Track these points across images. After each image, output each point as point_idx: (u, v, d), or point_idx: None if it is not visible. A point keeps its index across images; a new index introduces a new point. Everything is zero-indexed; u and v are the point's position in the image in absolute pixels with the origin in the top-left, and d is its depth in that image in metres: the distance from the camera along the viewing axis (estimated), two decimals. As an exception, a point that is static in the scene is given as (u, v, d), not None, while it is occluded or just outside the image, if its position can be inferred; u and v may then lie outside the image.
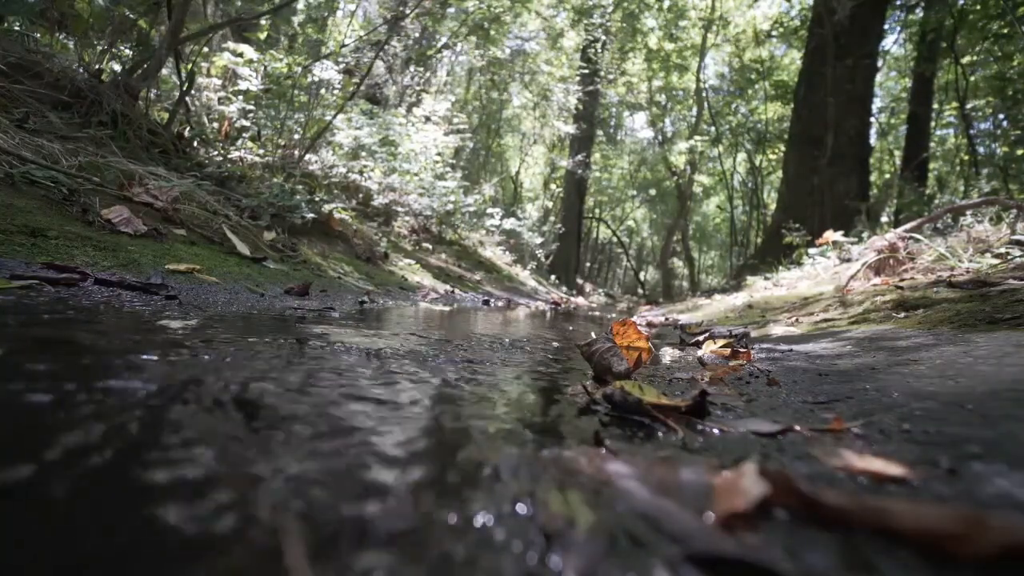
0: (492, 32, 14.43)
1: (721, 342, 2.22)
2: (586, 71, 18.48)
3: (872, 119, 13.33)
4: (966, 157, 13.05)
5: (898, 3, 12.96)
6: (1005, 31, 9.91)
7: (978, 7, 10.22)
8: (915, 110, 12.54)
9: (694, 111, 22.25)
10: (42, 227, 2.32)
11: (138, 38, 5.25)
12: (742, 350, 2.03)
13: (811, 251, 6.89)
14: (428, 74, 13.80)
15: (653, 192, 27.64)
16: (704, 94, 20.52)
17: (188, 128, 5.66)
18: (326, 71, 7.50)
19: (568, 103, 18.19)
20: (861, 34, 10.67)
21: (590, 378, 1.31)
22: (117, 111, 4.27)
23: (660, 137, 23.24)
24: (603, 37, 18.90)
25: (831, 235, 6.07)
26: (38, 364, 0.83)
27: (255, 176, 5.76)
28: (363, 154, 8.34)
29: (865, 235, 6.61)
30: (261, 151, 6.52)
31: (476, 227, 12.71)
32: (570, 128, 18.47)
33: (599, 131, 24.00)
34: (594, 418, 0.92)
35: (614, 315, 6.48)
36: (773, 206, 16.74)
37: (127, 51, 5.34)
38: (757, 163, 20.92)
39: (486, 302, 6.44)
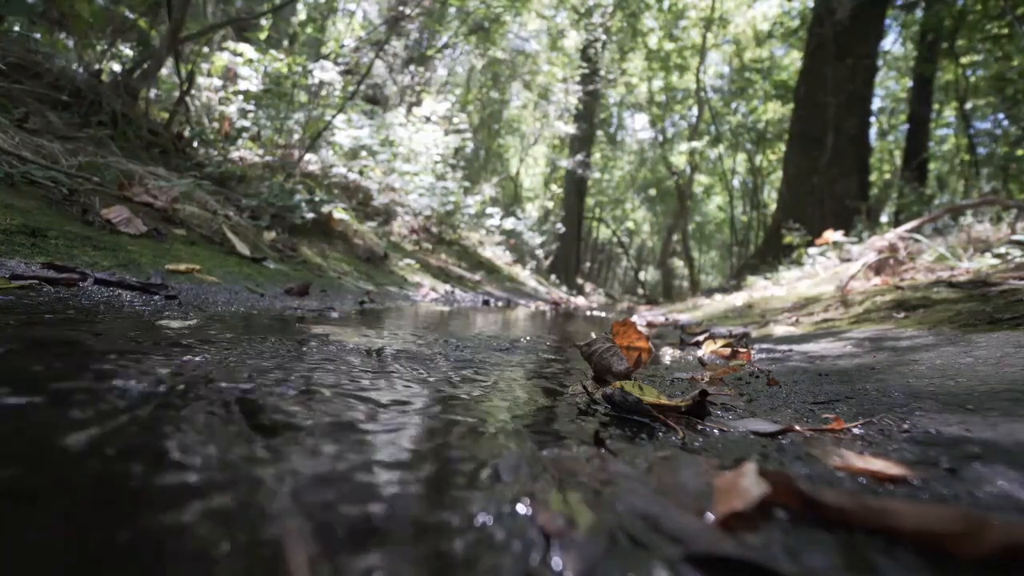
0: (492, 32, 14.43)
1: (721, 342, 2.22)
2: (586, 71, 18.48)
3: (872, 119, 13.33)
4: (966, 157, 13.05)
5: (898, 3, 12.95)
6: (1005, 31, 9.91)
7: (978, 7, 10.22)
8: (915, 110, 12.53)
9: (694, 111, 22.26)
10: (42, 227, 2.32)
11: (138, 38, 5.25)
12: (742, 350, 2.03)
13: (811, 251, 6.89)
14: (428, 74, 13.79)
15: (653, 192, 27.64)
16: (704, 94, 20.52)
17: (188, 128, 5.66)
18: (326, 71, 7.49)
19: (568, 103, 18.18)
20: (861, 34, 10.67)
21: (590, 378, 1.31)
22: (117, 111, 4.27)
23: (660, 137, 23.24)
24: (603, 37, 18.90)
25: (831, 235, 6.07)
26: (38, 364, 0.83)
27: (255, 176, 5.75)
28: (363, 154, 8.33)
29: (865, 235, 6.61)
30: (261, 151, 6.51)
31: (476, 227, 12.70)
32: (570, 128, 18.46)
33: (599, 131, 23.99)
34: (594, 418, 0.92)
35: (614, 315, 6.48)
36: (773, 206, 16.74)
37: (127, 51, 5.34)
38: (757, 163, 20.92)
39: (486, 302, 6.44)
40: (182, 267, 2.62)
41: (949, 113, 15.96)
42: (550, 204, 23.61)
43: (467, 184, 12.63)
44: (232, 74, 6.83)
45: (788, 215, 10.06)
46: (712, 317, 4.99)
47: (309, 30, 11.28)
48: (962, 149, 14.03)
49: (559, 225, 19.46)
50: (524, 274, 13.97)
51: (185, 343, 1.16)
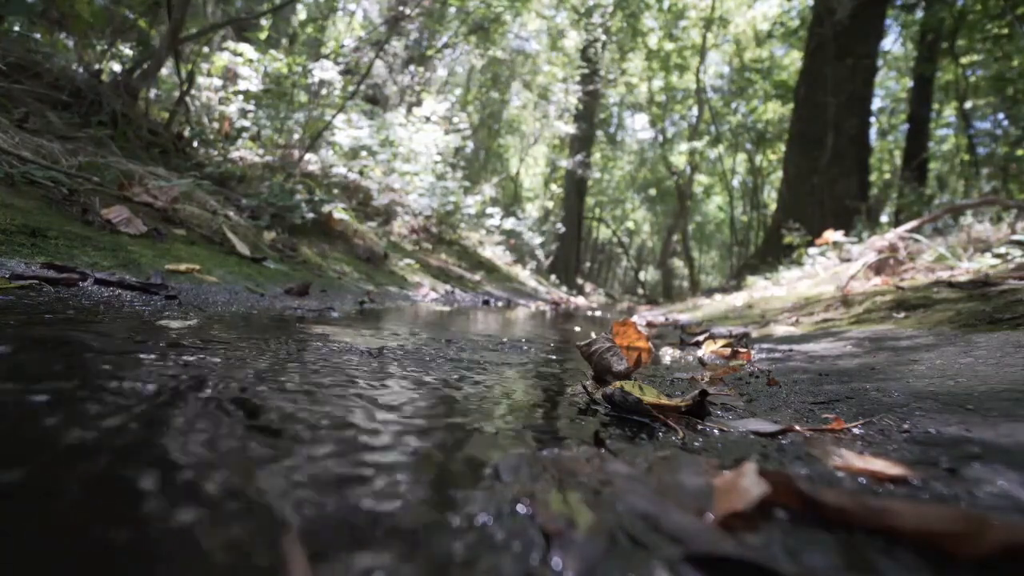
0: (492, 32, 14.43)
1: (721, 342, 2.22)
2: (586, 71, 18.48)
3: (872, 119, 13.32)
4: (966, 157, 13.04)
5: (898, 3, 12.95)
6: (1005, 31, 9.90)
7: (978, 7, 10.21)
8: (915, 110, 12.53)
9: (694, 111, 22.26)
10: (42, 227, 2.32)
11: (138, 38, 5.25)
12: (742, 350, 2.03)
13: (811, 251, 6.89)
14: (428, 74, 13.79)
15: (653, 192, 27.64)
16: (704, 94, 20.51)
17: (188, 128, 5.66)
18: (326, 71, 7.49)
19: (568, 103, 18.18)
20: (861, 34, 10.67)
21: (590, 378, 1.31)
22: (117, 111, 4.27)
23: (660, 137, 23.24)
24: (603, 37, 18.90)
25: (831, 235, 6.06)
26: (38, 364, 0.83)
27: (255, 176, 5.75)
28: (363, 154, 8.34)
29: (865, 235, 6.61)
30: (261, 151, 6.51)
31: (476, 227, 12.70)
32: (570, 128, 18.46)
33: (599, 131, 23.99)
34: (594, 418, 0.92)
35: (614, 315, 6.48)
36: (773, 206, 16.74)
37: (127, 51, 5.33)
38: (757, 163, 20.92)
39: (486, 302, 6.43)
40: (182, 267, 2.62)
41: (949, 113, 15.96)
42: (550, 204, 23.61)
43: (467, 184, 12.63)
44: (232, 74, 6.84)
45: (788, 215, 10.06)
46: (712, 317, 4.99)
47: (309, 30, 11.28)
48: (962, 149, 14.03)
49: (559, 225, 19.46)
50: (524, 274, 13.96)
51: (185, 343, 1.16)
